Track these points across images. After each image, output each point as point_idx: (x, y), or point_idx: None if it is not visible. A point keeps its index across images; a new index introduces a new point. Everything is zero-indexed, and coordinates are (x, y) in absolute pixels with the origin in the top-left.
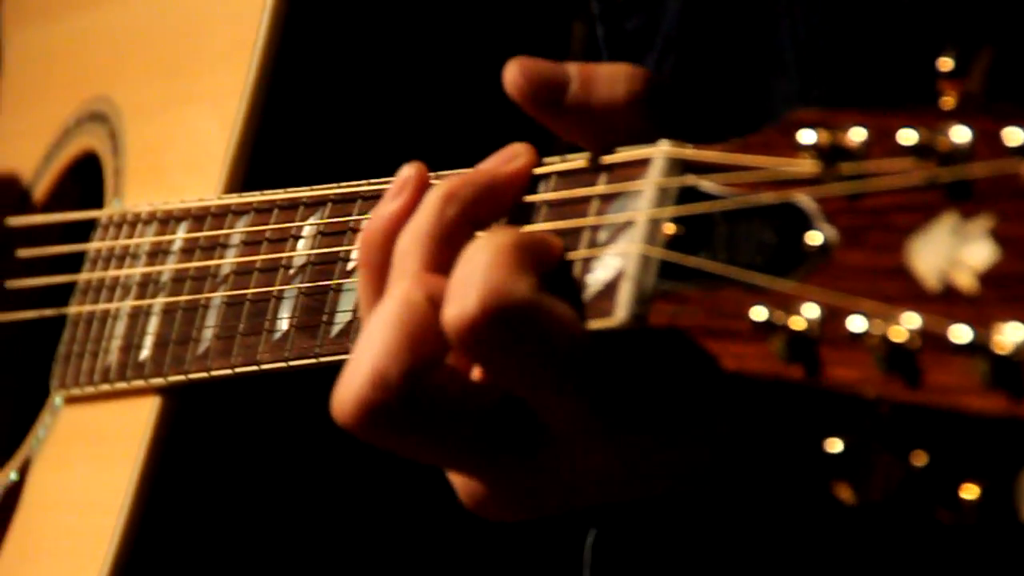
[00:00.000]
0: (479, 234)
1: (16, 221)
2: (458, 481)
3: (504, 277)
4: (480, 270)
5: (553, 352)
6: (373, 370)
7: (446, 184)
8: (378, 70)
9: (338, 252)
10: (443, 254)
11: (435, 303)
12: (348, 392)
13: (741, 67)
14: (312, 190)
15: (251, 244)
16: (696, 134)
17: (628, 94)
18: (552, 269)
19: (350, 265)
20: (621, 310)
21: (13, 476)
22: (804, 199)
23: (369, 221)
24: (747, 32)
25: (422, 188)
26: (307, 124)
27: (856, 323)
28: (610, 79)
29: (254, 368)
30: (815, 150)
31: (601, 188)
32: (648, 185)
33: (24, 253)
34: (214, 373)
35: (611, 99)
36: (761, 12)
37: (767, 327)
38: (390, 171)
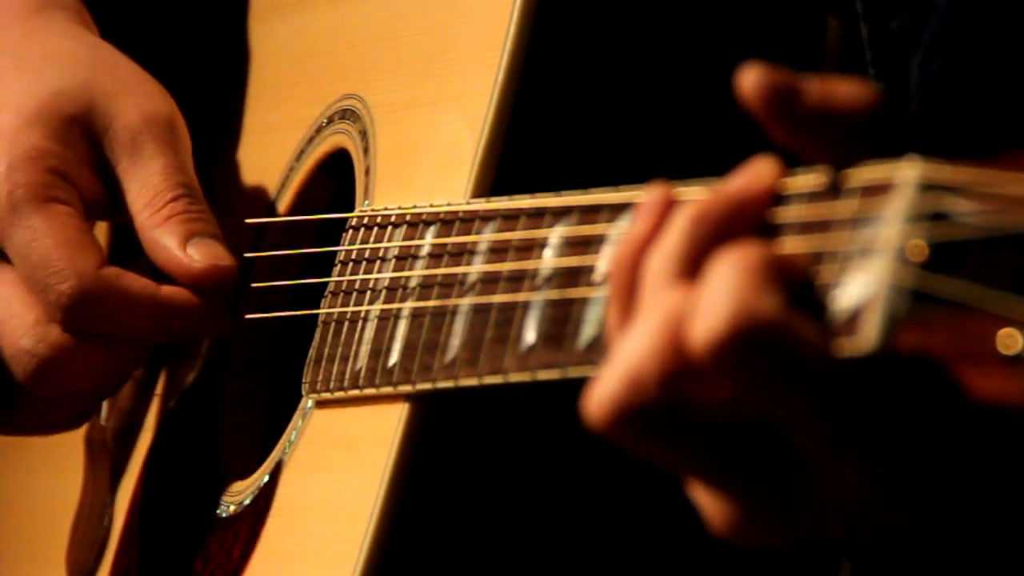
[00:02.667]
0: (727, 252)
1: (253, 221)
2: (709, 505)
3: (752, 296)
4: (728, 288)
5: (799, 373)
6: (630, 371)
7: (696, 206)
8: (629, 70)
9: (585, 263)
10: (694, 275)
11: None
12: (602, 391)
13: (1010, 68)
14: (560, 197)
15: (498, 251)
16: (946, 144)
17: (867, 106)
18: (800, 290)
19: (597, 277)
20: (871, 335)
21: (265, 479)
22: None
23: (618, 244)
24: (1016, 31)
25: (670, 208)
26: (556, 126)
27: None
28: (849, 90)
29: (500, 379)
30: None
31: (852, 207)
32: (900, 206)
33: (249, 255)
34: (461, 382)
35: (850, 110)
36: None
37: (1019, 355)
38: (640, 174)
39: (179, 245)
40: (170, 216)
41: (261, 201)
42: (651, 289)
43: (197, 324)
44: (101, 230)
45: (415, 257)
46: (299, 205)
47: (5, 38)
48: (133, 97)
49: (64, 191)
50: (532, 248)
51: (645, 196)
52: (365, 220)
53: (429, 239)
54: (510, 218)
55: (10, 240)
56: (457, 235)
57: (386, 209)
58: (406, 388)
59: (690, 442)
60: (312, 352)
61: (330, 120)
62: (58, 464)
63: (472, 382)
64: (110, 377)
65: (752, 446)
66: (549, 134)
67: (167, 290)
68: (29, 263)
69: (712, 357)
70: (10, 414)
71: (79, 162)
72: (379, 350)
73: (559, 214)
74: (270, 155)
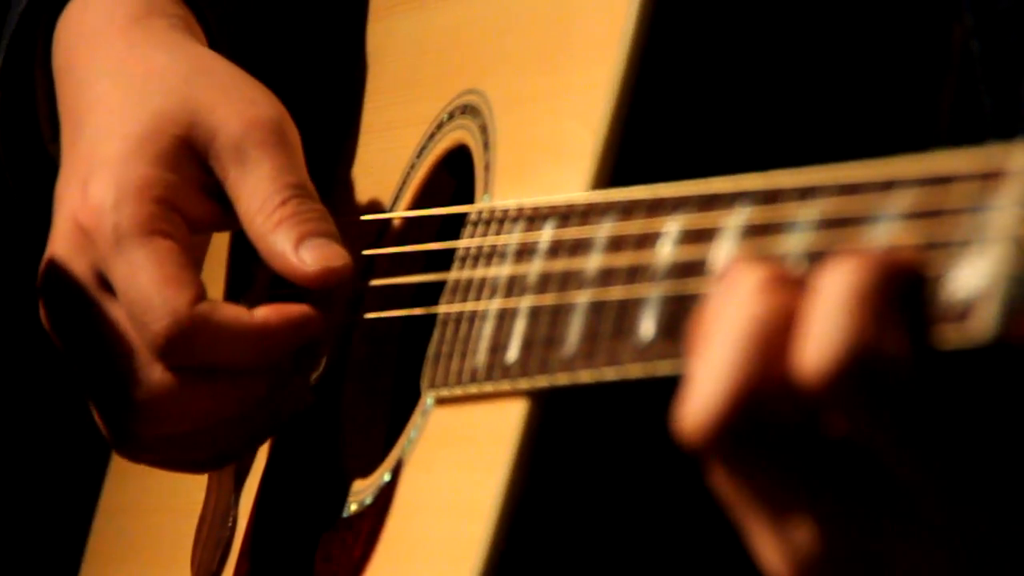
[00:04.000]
0: (837, 265)
1: (370, 217)
2: (786, 548)
3: (872, 325)
4: (845, 313)
5: (905, 400)
6: (719, 386)
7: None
8: (749, 65)
9: (703, 255)
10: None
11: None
12: (690, 407)
13: None
14: (677, 189)
15: (616, 244)
16: None
17: None
18: (911, 292)
19: (715, 269)
20: (986, 324)
21: (386, 477)
22: None
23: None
24: None
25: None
26: (674, 121)
27: None
28: None
29: (619, 374)
30: None
31: (966, 194)
32: (1016, 191)
33: (368, 252)
34: (579, 378)
35: None
36: None
37: None
38: (756, 166)
39: (292, 249)
40: (281, 220)
41: (383, 198)
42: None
43: (296, 340)
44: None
45: (533, 252)
46: (420, 202)
47: (106, 56)
48: (234, 105)
49: (169, 222)
50: (649, 241)
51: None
52: (484, 215)
53: (547, 234)
54: (627, 211)
55: (113, 274)
56: (575, 229)
57: (504, 204)
58: (525, 384)
59: (785, 460)
60: (431, 349)
61: (451, 116)
62: None
63: (591, 377)
64: (229, 419)
65: (843, 467)
66: (667, 128)
67: (260, 314)
68: (128, 300)
69: (824, 385)
70: (139, 449)
71: (186, 185)
72: (498, 346)
73: (676, 205)
74: (391, 152)
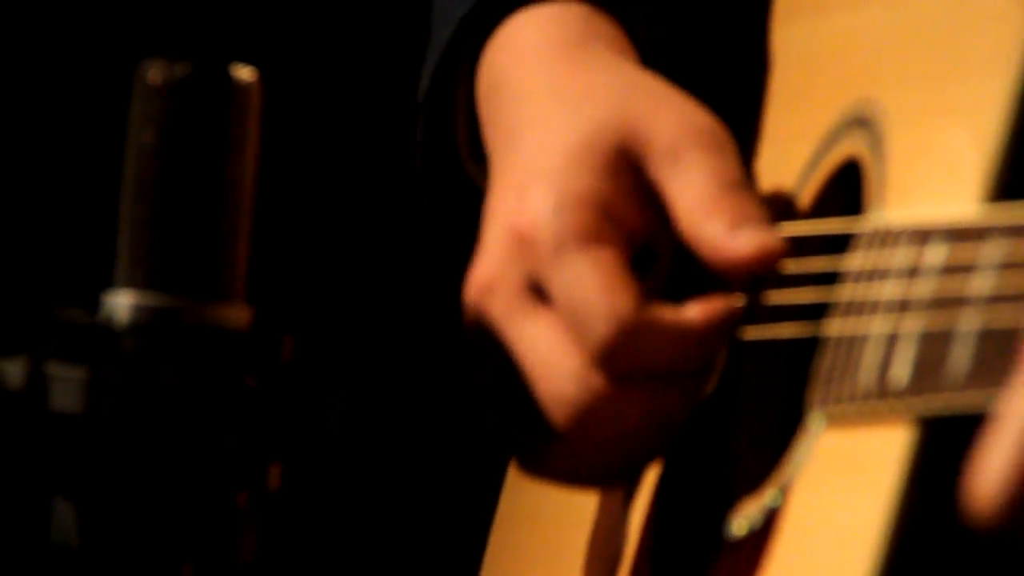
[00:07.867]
0: None
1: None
2: None
3: None
4: None
5: None
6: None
7: None
8: None
9: None
10: None
11: None
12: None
13: None
14: None
15: (1008, 265)
16: None
17: None
18: None
19: None
20: None
21: (774, 500)
22: None
23: None
24: None
25: None
26: None
27: None
28: None
29: None
30: None
31: None
32: None
33: (792, 267)
34: (970, 407)
35: None
36: None
37: None
38: None
39: (726, 232)
40: (714, 209)
41: (776, 212)
42: None
43: (728, 334)
44: None
45: (925, 272)
46: (811, 216)
47: (543, 74)
48: (670, 113)
49: (609, 230)
50: None
51: None
52: (875, 233)
53: (938, 253)
54: (1020, 231)
55: (551, 282)
56: (966, 248)
57: (895, 221)
58: (915, 409)
59: None
60: (819, 368)
61: (843, 127)
62: None
63: (982, 403)
64: (650, 425)
65: None
66: None
67: (695, 313)
68: (570, 306)
69: None
70: (537, 457)
71: (624, 195)
72: (887, 368)
73: None
74: (783, 164)
